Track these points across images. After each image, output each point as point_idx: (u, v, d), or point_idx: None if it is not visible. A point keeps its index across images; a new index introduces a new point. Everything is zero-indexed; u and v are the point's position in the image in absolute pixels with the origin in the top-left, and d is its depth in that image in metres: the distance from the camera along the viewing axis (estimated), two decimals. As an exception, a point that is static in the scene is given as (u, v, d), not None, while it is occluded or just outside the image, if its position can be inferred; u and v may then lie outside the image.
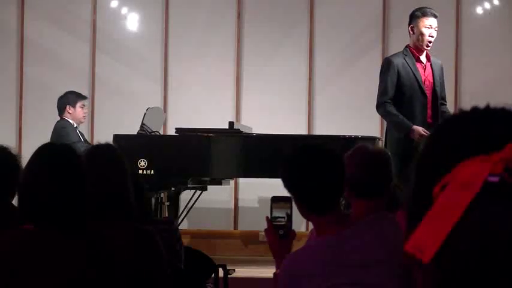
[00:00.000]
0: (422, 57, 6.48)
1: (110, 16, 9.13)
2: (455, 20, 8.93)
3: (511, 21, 8.93)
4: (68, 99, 7.91)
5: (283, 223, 3.08)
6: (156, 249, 3.20)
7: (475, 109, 0.98)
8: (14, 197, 3.68)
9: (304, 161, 2.95)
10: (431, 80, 6.46)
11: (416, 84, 6.39)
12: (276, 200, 3.11)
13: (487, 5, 8.99)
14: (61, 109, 7.92)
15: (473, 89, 8.84)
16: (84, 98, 8.00)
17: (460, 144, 0.94)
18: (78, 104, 7.90)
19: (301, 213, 2.97)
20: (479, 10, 9.01)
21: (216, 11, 9.04)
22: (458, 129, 0.96)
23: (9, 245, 2.69)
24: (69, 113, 7.86)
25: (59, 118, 7.91)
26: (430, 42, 6.42)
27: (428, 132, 6.26)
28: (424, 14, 6.46)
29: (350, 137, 6.78)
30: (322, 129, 8.75)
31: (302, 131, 8.72)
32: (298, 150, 3.06)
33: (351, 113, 8.73)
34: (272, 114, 8.78)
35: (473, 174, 0.90)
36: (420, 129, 6.19)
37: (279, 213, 3.09)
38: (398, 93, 6.38)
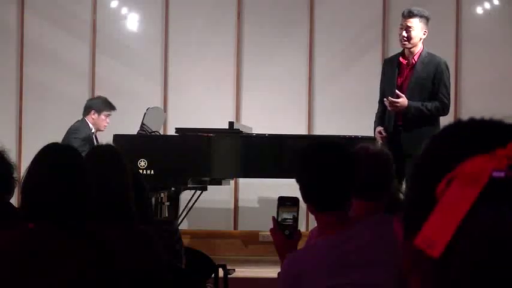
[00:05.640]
0: (408, 59, 6.55)
1: (110, 16, 9.13)
2: (455, 20, 8.93)
3: (511, 21, 8.93)
4: (96, 105, 7.90)
5: (289, 223, 3.06)
6: (155, 250, 3.20)
7: (472, 118, 0.99)
8: (11, 196, 3.68)
9: (316, 158, 2.94)
10: (407, 84, 6.50)
11: (392, 88, 6.52)
12: (282, 200, 3.10)
13: (487, 5, 9.00)
14: (86, 110, 7.93)
15: (473, 89, 8.84)
16: (112, 109, 7.96)
17: (461, 147, 0.94)
18: (104, 113, 7.90)
19: (309, 209, 2.96)
20: (479, 10, 9.01)
21: (216, 11, 9.04)
22: (458, 134, 0.97)
23: (9, 245, 2.69)
24: (92, 117, 7.87)
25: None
26: (403, 41, 6.54)
27: (384, 134, 6.43)
28: (401, 16, 6.65)
29: (350, 137, 6.78)
30: (322, 129, 8.75)
31: (302, 131, 8.72)
32: (313, 146, 3.04)
33: (351, 113, 8.73)
34: (272, 114, 8.78)
35: (478, 168, 0.90)
36: (377, 131, 6.55)
37: (285, 213, 3.08)
38: (384, 96, 6.60)
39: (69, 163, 2.78)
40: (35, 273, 2.63)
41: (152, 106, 7.88)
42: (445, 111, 6.47)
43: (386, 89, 6.58)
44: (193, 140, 6.94)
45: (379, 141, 6.41)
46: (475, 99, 8.73)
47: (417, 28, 6.50)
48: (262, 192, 8.48)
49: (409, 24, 6.50)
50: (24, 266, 2.64)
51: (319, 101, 8.98)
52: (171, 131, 8.16)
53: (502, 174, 0.90)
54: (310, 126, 8.94)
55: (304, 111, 8.97)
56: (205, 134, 6.97)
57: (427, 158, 0.98)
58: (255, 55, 8.99)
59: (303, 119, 8.93)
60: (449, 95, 6.54)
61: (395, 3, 8.80)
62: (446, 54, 8.80)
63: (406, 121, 6.45)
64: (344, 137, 6.84)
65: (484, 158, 0.91)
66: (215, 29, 9.01)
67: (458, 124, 0.99)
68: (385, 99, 6.45)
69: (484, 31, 8.91)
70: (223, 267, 4.77)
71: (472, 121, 0.99)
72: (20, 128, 9.00)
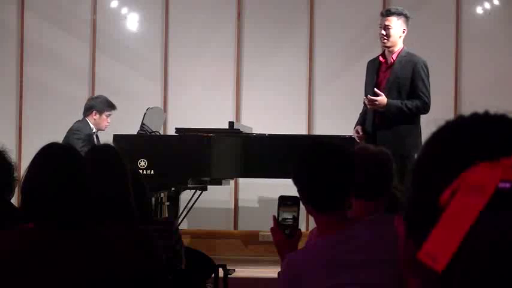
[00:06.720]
0: (387, 59, 6.58)
1: (110, 16, 9.13)
2: (455, 20, 8.93)
3: (511, 21, 8.93)
4: (98, 105, 7.88)
5: (289, 223, 3.06)
6: (155, 250, 3.20)
7: (475, 115, 0.97)
8: (12, 196, 3.68)
9: (315, 159, 2.93)
10: (385, 83, 6.50)
11: (371, 87, 6.52)
12: (283, 200, 3.09)
13: (487, 5, 8.99)
14: (87, 110, 7.91)
15: (473, 89, 8.84)
16: (113, 108, 7.95)
17: (464, 151, 0.92)
18: (105, 113, 7.89)
19: (307, 210, 2.96)
20: (479, 10, 9.01)
21: (216, 11, 9.04)
22: (461, 135, 0.95)
23: (9, 245, 2.69)
24: (94, 118, 7.86)
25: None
26: (382, 39, 6.55)
27: (360, 133, 6.42)
28: (380, 15, 6.72)
29: (350, 137, 6.78)
30: (322, 129, 8.75)
31: (302, 131, 8.72)
32: (311, 147, 3.04)
33: (351, 113, 8.71)
34: (272, 114, 8.78)
35: (484, 180, 0.88)
36: (354, 129, 6.58)
37: (285, 212, 3.07)
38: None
39: (69, 163, 2.78)
40: (35, 273, 2.63)
41: (152, 106, 7.88)
42: (425, 109, 6.42)
43: (367, 89, 6.60)
44: (193, 140, 6.94)
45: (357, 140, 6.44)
46: (474, 99, 8.72)
47: (396, 26, 6.51)
48: (262, 192, 8.47)
49: (387, 22, 6.52)
50: (24, 266, 2.64)
51: (319, 101, 8.98)
52: (171, 131, 8.15)
53: (507, 185, 0.89)
54: (310, 126, 8.94)
55: (304, 111, 8.97)
56: (205, 134, 6.97)
57: (429, 160, 0.96)
58: (255, 55, 8.99)
59: (303, 119, 8.92)
60: (429, 93, 6.48)
61: (395, 3, 8.79)
62: (446, 54, 8.83)
63: (382, 120, 6.45)
64: (344, 137, 6.83)
65: (488, 167, 0.89)
66: (215, 29, 9.01)
67: (460, 122, 0.97)
68: (364, 97, 6.47)
69: (484, 31, 8.91)
70: (223, 267, 4.78)
71: (475, 119, 0.97)
72: (20, 128, 9.00)
